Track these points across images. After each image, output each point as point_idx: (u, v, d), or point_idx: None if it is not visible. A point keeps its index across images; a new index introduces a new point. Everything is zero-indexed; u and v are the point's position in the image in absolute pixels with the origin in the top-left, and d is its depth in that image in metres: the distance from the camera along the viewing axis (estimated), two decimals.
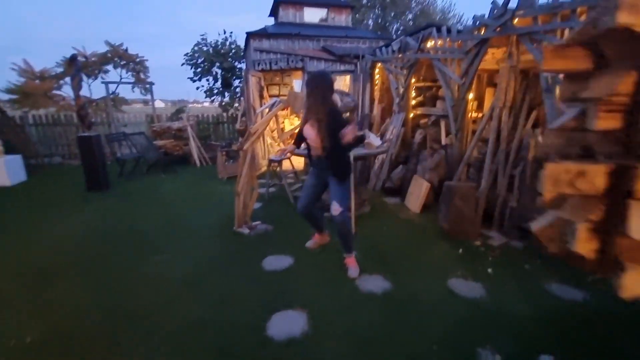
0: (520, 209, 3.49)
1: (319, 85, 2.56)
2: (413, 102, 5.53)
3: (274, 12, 9.15)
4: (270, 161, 5.01)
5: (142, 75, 8.16)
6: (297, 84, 9.78)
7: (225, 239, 3.67)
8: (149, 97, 8.77)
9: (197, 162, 7.70)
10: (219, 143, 8.15)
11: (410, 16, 14.79)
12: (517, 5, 3.13)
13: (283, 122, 9.33)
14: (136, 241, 3.65)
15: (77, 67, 5.05)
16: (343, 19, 8.93)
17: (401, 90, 5.40)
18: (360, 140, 2.70)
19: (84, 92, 6.82)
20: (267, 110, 3.87)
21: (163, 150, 7.25)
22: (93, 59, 7.62)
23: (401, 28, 15.04)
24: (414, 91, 5.59)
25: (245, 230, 3.76)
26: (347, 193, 2.80)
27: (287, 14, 8.56)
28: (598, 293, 2.60)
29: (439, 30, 4.41)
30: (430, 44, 4.53)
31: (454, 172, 4.39)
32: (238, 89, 9.24)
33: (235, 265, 3.09)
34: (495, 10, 3.34)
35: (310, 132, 2.68)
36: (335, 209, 2.71)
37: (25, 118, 7.88)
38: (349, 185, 2.85)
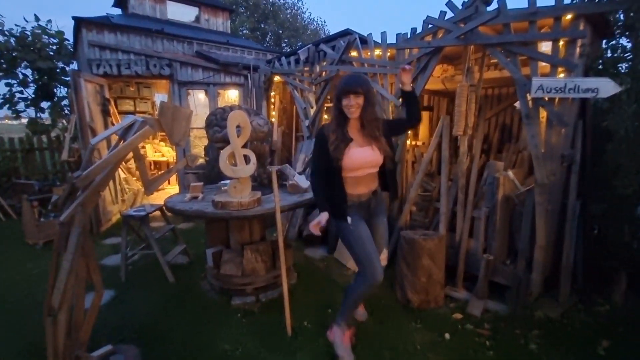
0: (494, 260, 2.80)
1: (371, 89, 1.91)
2: None
3: (120, 1, 6.82)
4: (126, 218, 3.06)
5: None
6: (160, 99, 7.59)
7: None
8: None
9: None
10: (33, 183, 5.28)
11: (283, 31, 14.28)
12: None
13: (144, 148, 6.97)
14: None
15: None
16: (220, 23, 7.38)
17: (312, 110, 4.32)
18: None
19: None
20: (112, 137, 2.08)
21: None
22: None
23: (287, 42, 14.33)
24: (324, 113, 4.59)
25: None
26: None
27: (143, 5, 6.43)
28: None
29: (363, 41, 3.54)
30: (353, 54, 3.61)
31: (393, 215, 3.51)
32: (66, 102, 6.40)
33: None
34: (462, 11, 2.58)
35: (362, 155, 1.92)
36: (385, 257, 2.16)
37: None
38: None
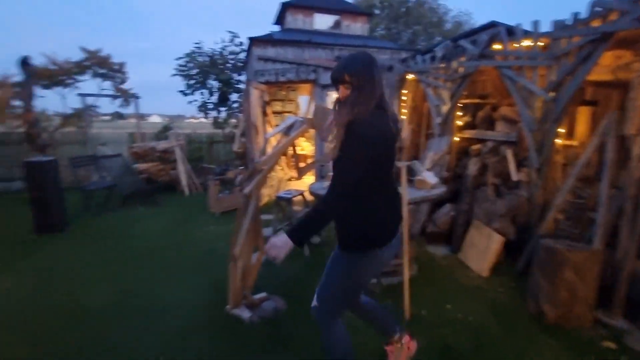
0: None
1: (368, 77, 1.38)
2: (459, 123, 4.39)
3: (280, 19, 8.16)
4: (278, 199, 3.79)
5: (123, 87, 7.03)
6: (303, 101, 8.67)
7: (210, 331, 2.38)
8: (142, 112, 7.59)
9: (186, 189, 6.45)
10: (213, 167, 6.94)
11: (419, 27, 13.96)
12: None
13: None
14: (60, 339, 2.35)
15: (28, 72, 3.86)
16: (358, 27, 7.93)
17: (445, 107, 4.26)
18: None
19: (55, 105, 5.60)
20: (278, 134, 2.68)
21: (145, 177, 6.00)
22: (67, 66, 6.49)
23: (421, 39, 14.12)
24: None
25: (245, 313, 2.49)
26: (335, 275, 1.61)
27: (296, 21, 7.54)
28: None
29: (510, 32, 3.31)
30: (496, 47, 3.42)
31: (532, 220, 3.20)
32: (236, 104, 8.09)
33: None
34: None
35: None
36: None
37: None
38: (348, 264, 1.55)
